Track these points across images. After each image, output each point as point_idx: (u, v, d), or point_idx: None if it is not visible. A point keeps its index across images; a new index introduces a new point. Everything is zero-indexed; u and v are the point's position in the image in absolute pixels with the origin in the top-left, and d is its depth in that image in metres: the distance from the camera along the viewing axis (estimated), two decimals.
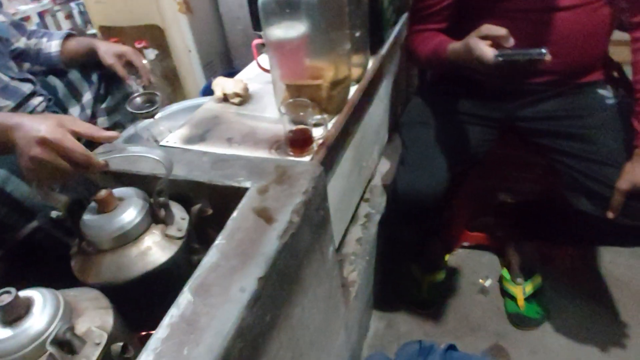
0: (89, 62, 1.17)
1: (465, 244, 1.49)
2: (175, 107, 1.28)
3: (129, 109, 1.00)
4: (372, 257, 1.16)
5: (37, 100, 1.06)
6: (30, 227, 0.79)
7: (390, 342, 1.24)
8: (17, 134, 0.57)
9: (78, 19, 2.15)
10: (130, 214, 0.65)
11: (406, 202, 1.09)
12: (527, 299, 1.26)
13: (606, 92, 1.02)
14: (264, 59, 1.07)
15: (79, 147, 0.58)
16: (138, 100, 1.04)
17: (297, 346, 0.69)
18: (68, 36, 1.15)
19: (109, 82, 1.23)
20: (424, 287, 1.32)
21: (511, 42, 0.81)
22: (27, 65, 1.18)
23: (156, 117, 1.22)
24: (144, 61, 1.11)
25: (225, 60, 1.81)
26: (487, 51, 0.81)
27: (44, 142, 0.56)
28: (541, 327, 1.23)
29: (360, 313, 1.15)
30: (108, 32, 1.66)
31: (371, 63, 1.09)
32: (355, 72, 1.00)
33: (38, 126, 0.56)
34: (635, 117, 0.88)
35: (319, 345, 0.80)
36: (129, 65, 1.12)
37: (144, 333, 0.68)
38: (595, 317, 1.23)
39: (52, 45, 1.13)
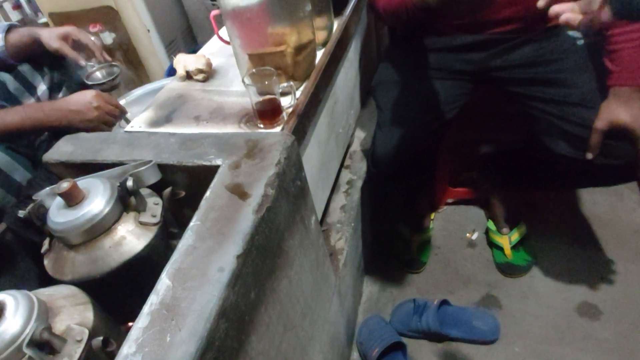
0: (38, 53, 1.10)
1: (450, 200, 1.49)
2: (139, 90, 1.23)
3: (88, 83, 0.96)
4: (357, 224, 1.15)
5: None
6: None
7: (385, 304, 1.25)
8: (75, 116, 0.87)
9: (27, 8, 2.03)
10: (98, 205, 0.62)
11: (386, 164, 1.07)
12: (514, 248, 1.27)
13: (576, 33, 1.01)
14: (225, 32, 1.02)
15: (112, 98, 0.91)
16: (97, 74, 1.00)
17: (288, 319, 0.68)
18: (9, 29, 1.08)
19: (62, 69, 1.16)
20: (413, 247, 1.33)
21: None
22: None
23: (122, 101, 1.17)
24: (92, 37, 1.05)
25: (189, 37, 1.74)
26: None
27: (99, 106, 0.87)
28: (529, 273, 1.25)
29: (352, 279, 1.15)
30: (59, 19, 1.57)
31: (336, 25, 1.05)
32: (320, 35, 0.96)
33: (87, 102, 0.87)
34: (606, 55, 0.87)
35: (311, 316, 0.80)
36: (79, 45, 1.06)
37: (131, 324, 0.66)
38: (581, 258, 1.25)
39: None
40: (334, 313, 0.95)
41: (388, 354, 1.08)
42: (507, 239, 1.28)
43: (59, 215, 0.62)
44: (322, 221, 1.10)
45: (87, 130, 0.86)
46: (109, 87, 1.05)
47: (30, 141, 1.09)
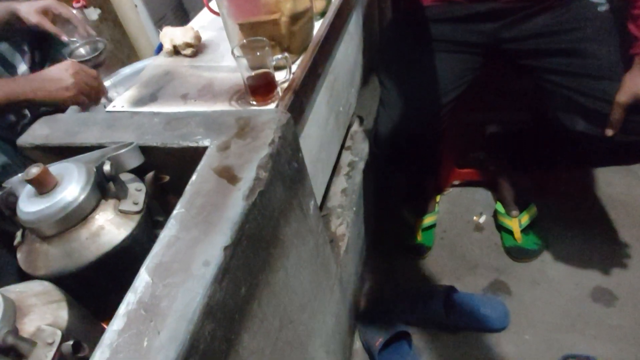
0: (18, 30, 1.02)
1: (456, 182, 1.43)
2: (127, 69, 1.14)
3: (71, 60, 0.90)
4: (359, 208, 1.09)
5: None
6: None
7: (389, 291, 1.20)
8: (50, 85, 0.77)
9: None
10: (72, 192, 0.56)
11: (389, 145, 1.01)
12: (524, 231, 1.22)
13: None
14: (215, 4, 0.94)
15: (90, 69, 0.84)
16: (81, 50, 0.94)
17: (284, 313, 0.63)
18: None
19: (43, 46, 1.09)
20: (417, 232, 1.28)
21: None
22: None
23: (109, 82, 1.10)
24: (74, 10, 0.98)
25: (180, 13, 1.65)
26: None
27: (75, 72, 0.79)
28: (540, 257, 1.20)
29: (354, 267, 1.10)
30: None
31: None
32: (318, 4, 0.89)
33: (62, 70, 0.79)
34: (632, 21, 0.80)
35: (311, 308, 0.75)
36: (60, 20, 0.99)
37: None
38: (594, 241, 1.20)
39: None
40: (335, 303, 0.90)
41: (392, 344, 1.04)
42: (516, 222, 1.22)
43: (29, 204, 0.56)
44: (321, 206, 1.04)
45: (66, 103, 0.80)
46: (94, 64, 0.98)
47: (12, 124, 1.03)
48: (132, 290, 0.45)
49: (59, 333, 0.47)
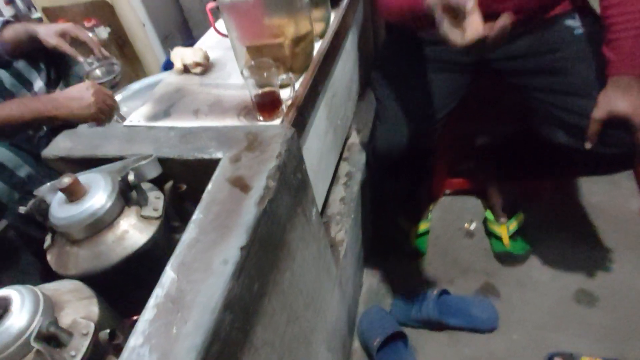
0: (35, 49, 1.09)
1: (448, 191, 1.50)
2: (137, 85, 1.21)
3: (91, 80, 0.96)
4: (357, 215, 1.16)
5: None
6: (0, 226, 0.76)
7: (385, 294, 1.26)
8: (73, 103, 0.84)
9: (20, 3, 2.00)
10: (100, 200, 0.62)
11: (388, 158, 1.08)
12: (512, 237, 1.28)
13: (574, 22, 1.00)
14: (221, 25, 1.02)
15: (109, 91, 0.90)
16: (97, 72, 1.00)
17: (291, 310, 0.69)
18: (4, 25, 1.07)
19: (59, 65, 1.16)
20: (412, 238, 1.34)
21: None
22: None
23: (119, 97, 1.17)
24: (90, 34, 1.05)
25: (185, 31, 1.72)
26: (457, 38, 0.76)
27: (95, 92, 0.85)
28: (527, 261, 1.26)
29: (353, 270, 1.16)
30: (53, 14, 1.55)
31: (334, 16, 1.04)
32: (318, 27, 0.96)
33: (83, 89, 0.86)
34: (606, 44, 0.87)
35: (314, 306, 0.81)
36: (76, 42, 1.06)
37: (135, 317, 0.67)
38: (577, 246, 1.26)
39: None
40: (335, 303, 0.96)
41: (389, 344, 1.09)
42: (505, 228, 1.29)
43: (60, 211, 0.62)
44: (322, 213, 1.10)
45: (86, 120, 0.86)
46: (109, 86, 1.04)
47: (30, 137, 1.09)
48: (159, 285, 0.51)
49: (93, 325, 0.53)
